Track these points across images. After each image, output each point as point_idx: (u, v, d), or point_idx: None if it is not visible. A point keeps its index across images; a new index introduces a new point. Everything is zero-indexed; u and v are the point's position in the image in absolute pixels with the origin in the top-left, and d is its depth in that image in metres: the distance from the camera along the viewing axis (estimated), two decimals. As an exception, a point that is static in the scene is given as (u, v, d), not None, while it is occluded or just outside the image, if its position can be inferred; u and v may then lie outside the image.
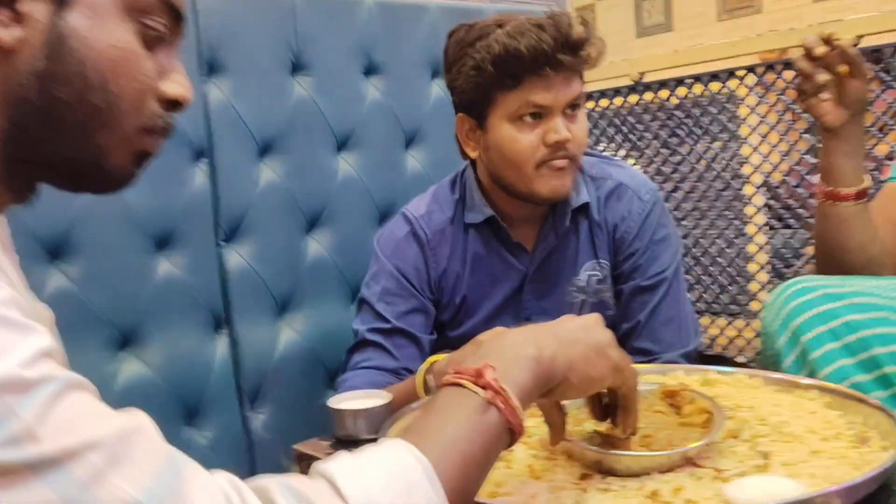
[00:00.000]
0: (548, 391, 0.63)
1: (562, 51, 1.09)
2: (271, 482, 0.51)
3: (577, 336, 0.65)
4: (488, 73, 1.12)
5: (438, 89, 1.64)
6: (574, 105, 1.14)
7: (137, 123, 0.61)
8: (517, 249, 1.24)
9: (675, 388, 0.83)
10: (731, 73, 1.79)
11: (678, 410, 0.81)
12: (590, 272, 1.23)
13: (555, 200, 1.18)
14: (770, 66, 1.73)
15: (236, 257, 1.39)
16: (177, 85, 0.63)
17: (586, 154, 1.28)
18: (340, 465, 0.53)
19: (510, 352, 0.62)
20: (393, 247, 1.25)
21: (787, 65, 1.69)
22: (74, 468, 0.45)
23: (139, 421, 0.49)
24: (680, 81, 1.87)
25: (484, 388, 0.58)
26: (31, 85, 0.57)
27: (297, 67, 1.46)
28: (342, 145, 1.52)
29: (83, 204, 1.22)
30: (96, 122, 0.59)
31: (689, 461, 0.72)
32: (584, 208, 1.23)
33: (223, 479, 0.50)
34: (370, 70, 1.56)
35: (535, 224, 1.23)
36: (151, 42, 0.61)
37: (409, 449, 0.54)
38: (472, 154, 1.21)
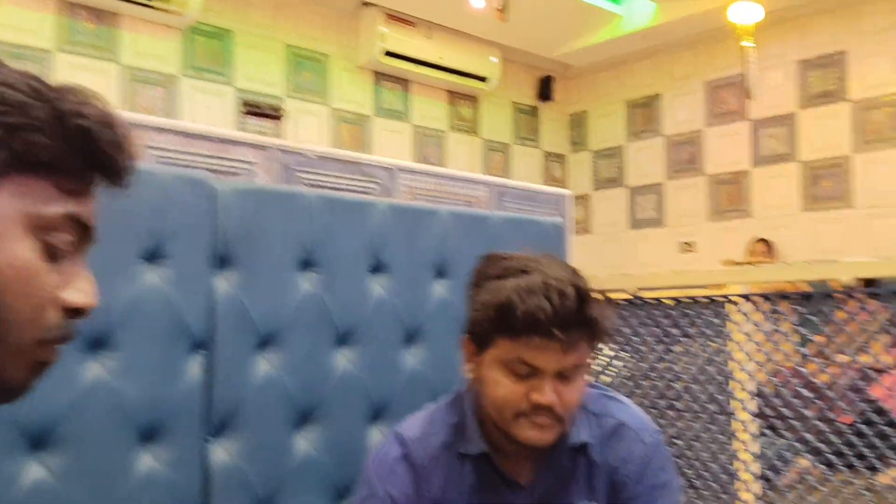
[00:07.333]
0: None
1: (559, 325, 1.07)
2: None
3: None
4: (490, 317, 1.11)
5: (442, 290, 1.66)
6: (571, 370, 1.12)
7: (34, 336, 0.61)
8: (513, 485, 1.20)
9: None
10: (727, 299, 1.83)
11: None
12: (585, 513, 1.20)
13: (533, 447, 1.15)
14: (766, 297, 1.78)
15: (222, 453, 1.35)
16: (79, 293, 0.64)
17: (589, 386, 1.28)
18: None
19: None
20: (386, 470, 1.21)
21: (784, 297, 1.73)
22: None
23: None
24: (677, 301, 1.91)
25: None
26: None
27: (307, 264, 1.49)
28: (342, 340, 1.52)
29: (77, 394, 1.20)
30: None
31: None
32: (584, 446, 1.21)
33: None
34: (377, 268, 1.58)
35: (532, 460, 1.20)
36: (56, 254, 0.62)
37: None
38: (469, 375, 1.21)
